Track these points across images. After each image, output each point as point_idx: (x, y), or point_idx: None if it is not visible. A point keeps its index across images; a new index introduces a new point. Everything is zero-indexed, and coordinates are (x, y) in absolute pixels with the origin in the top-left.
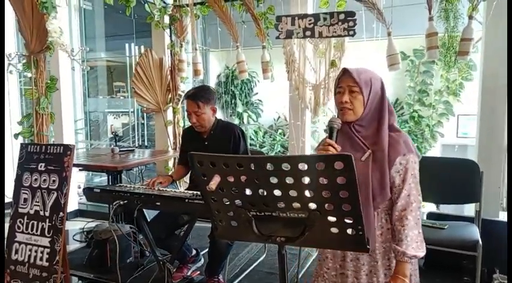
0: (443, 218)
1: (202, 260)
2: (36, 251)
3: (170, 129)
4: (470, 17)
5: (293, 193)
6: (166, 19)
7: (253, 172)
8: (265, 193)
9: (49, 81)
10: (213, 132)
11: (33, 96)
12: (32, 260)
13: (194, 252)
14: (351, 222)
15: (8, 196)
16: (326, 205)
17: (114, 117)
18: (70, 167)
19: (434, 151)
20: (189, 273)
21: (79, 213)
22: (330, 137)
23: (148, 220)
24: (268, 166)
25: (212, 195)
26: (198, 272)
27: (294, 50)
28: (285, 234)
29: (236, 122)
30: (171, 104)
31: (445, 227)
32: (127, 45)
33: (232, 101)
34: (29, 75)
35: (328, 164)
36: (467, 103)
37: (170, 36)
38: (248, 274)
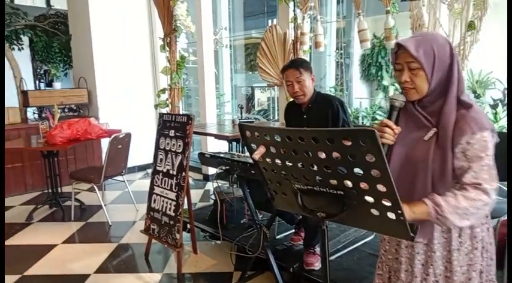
0: None
1: None
2: (166, 202)
3: None
4: None
5: (328, 168)
6: None
7: (290, 145)
8: (303, 167)
9: (179, 59)
10: (312, 105)
11: (166, 73)
12: (164, 209)
13: None
14: (389, 204)
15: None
16: (360, 183)
17: (261, 92)
18: (191, 134)
19: None
20: None
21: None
22: (389, 116)
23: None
24: (301, 139)
25: (262, 164)
26: (300, 242)
27: (423, 12)
28: (326, 209)
29: (380, 95)
30: None
31: None
32: (269, 21)
33: (378, 73)
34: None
35: (354, 140)
36: None
37: (294, 9)
38: (349, 252)
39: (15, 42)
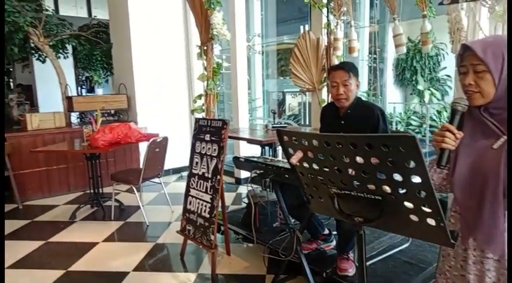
0: None
1: (334, 242)
2: (202, 204)
3: None
4: None
5: (365, 173)
6: None
7: (328, 150)
8: (341, 172)
9: (215, 66)
10: (350, 111)
11: (203, 79)
12: (199, 211)
13: (327, 231)
14: (429, 211)
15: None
16: (400, 189)
17: (292, 97)
18: (226, 138)
19: None
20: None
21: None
22: (451, 120)
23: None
24: (338, 145)
25: (300, 169)
26: (332, 246)
27: (461, 16)
28: (363, 214)
29: (415, 100)
30: (325, 83)
31: None
32: (302, 27)
33: (413, 78)
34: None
35: (394, 146)
36: None
37: (327, 15)
38: (384, 259)
39: (61, 51)
